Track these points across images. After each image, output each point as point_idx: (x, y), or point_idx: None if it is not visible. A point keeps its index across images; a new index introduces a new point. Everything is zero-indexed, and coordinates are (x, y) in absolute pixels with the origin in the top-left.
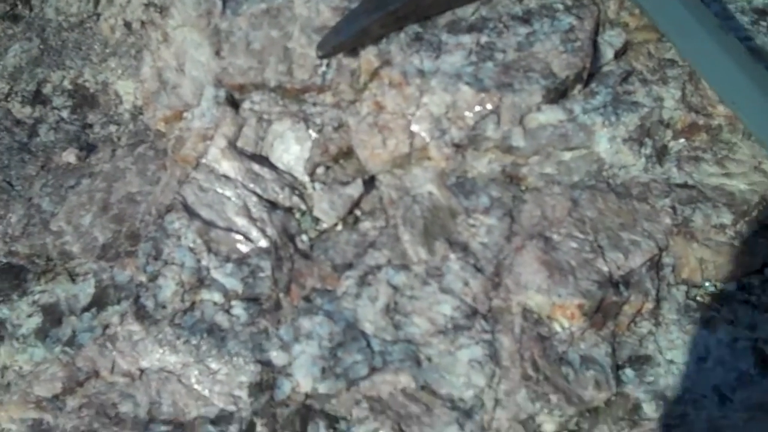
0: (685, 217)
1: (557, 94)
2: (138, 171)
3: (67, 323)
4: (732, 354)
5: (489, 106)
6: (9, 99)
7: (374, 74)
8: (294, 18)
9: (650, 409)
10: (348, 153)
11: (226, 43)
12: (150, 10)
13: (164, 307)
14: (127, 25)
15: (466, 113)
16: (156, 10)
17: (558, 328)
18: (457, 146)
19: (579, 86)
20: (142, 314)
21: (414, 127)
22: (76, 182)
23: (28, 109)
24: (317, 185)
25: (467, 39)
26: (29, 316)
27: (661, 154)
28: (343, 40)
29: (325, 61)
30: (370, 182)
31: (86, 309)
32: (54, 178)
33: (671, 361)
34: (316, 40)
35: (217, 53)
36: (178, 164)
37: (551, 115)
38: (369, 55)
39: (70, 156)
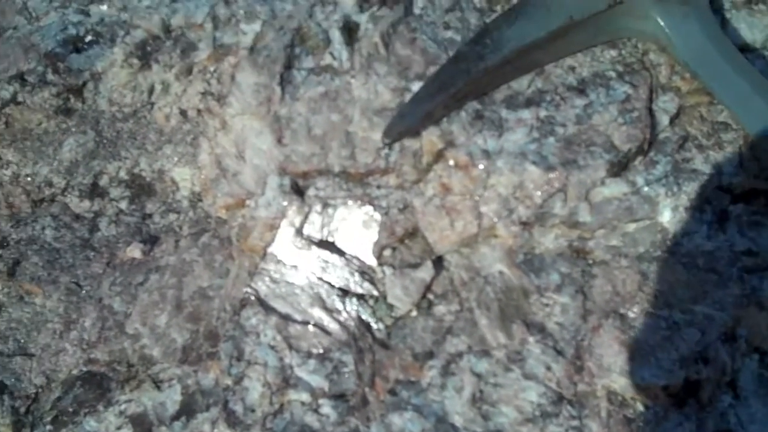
0: (753, 286)
1: (620, 167)
2: (205, 263)
3: None
4: None
5: (556, 185)
6: (66, 194)
7: (438, 155)
8: (353, 101)
9: None
10: (413, 234)
11: (287, 129)
12: (207, 99)
13: (253, 410)
14: (183, 113)
15: (534, 192)
16: (213, 98)
17: (642, 409)
18: (524, 224)
19: (640, 157)
20: (232, 420)
21: (482, 208)
22: (144, 278)
23: (86, 203)
24: (386, 269)
25: (527, 114)
26: (118, 428)
27: (722, 220)
28: (409, 125)
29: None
30: (438, 263)
31: (175, 417)
32: (121, 275)
33: None
34: (377, 122)
35: (279, 140)
36: (246, 254)
37: (615, 188)
38: (431, 137)
39: (134, 251)
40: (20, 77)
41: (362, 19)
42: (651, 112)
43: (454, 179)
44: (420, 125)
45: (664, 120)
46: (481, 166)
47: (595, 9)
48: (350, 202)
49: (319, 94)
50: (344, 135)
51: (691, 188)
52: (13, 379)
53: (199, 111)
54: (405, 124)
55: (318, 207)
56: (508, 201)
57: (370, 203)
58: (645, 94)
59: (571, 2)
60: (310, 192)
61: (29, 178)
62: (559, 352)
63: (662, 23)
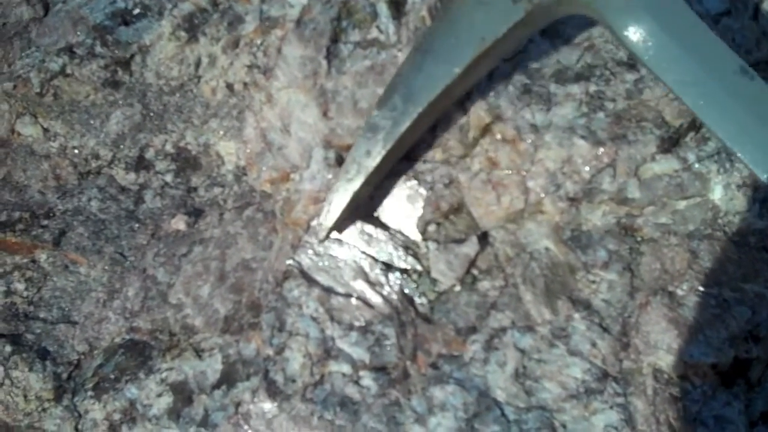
0: None
1: (671, 143)
2: (249, 236)
3: (199, 402)
4: None
5: (605, 160)
6: (112, 166)
7: (485, 130)
8: None
9: None
10: (458, 209)
11: (333, 103)
12: (253, 72)
13: (294, 381)
14: (229, 86)
15: (583, 167)
16: (259, 72)
17: (690, 388)
18: (572, 200)
19: (692, 133)
20: (273, 390)
21: (529, 183)
22: (188, 250)
23: (132, 176)
24: (431, 244)
25: (576, 89)
26: (159, 395)
27: None
28: (337, 221)
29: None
30: (483, 238)
31: (216, 386)
32: (165, 246)
33: None
34: None
35: (325, 114)
36: (290, 227)
37: (666, 165)
38: (479, 111)
39: (179, 223)
40: (69, 50)
41: None
42: None
43: (501, 153)
44: (350, 211)
45: None
46: (528, 141)
47: (510, 21)
48: (395, 177)
49: (365, 67)
50: None
51: (743, 165)
52: (56, 346)
53: (245, 84)
54: (331, 218)
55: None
56: (555, 176)
57: (415, 178)
58: None
59: (481, 20)
60: None
61: (76, 150)
62: (605, 329)
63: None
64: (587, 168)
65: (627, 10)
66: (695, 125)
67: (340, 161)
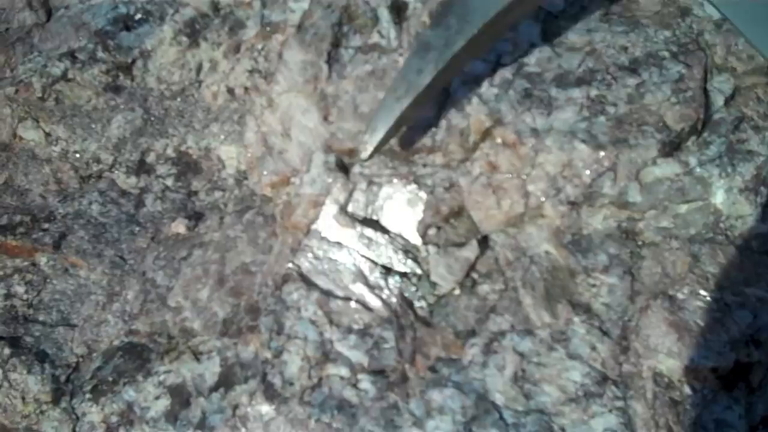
0: None
1: (672, 147)
2: (249, 239)
3: (196, 404)
4: None
5: (606, 164)
6: (113, 170)
7: (486, 134)
8: None
9: None
10: (459, 213)
11: (334, 107)
12: (254, 77)
13: (292, 384)
14: (230, 91)
15: (583, 171)
16: (260, 76)
17: (689, 392)
18: (572, 204)
19: (693, 138)
20: (270, 393)
21: (530, 187)
22: (188, 253)
23: (133, 180)
24: (431, 248)
25: (577, 93)
26: (156, 398)
27: None
28: (382, 139)
29: (434, 121)
30: (483, 242)
31: (214, 389)
32: (165, 249)
33: None
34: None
35: (325, 118)
36: (289, 231)
37: (667, 168)
38: (479, 115)
39: (179, 227)
40: (71, 54)
41: None
42: (705, 92)
43: (501, 157)
44: (394, 132)
45: (719, 100)
46: (529, 145)
47: None
48: (395, 180)
49: (366, 72)
50: None
51: (746, 169)
52: (54, 349)
53: (246, 89)
54: (378, 137)
55: (363, 185)
56: (555, 180)
57: (416, 181)
58: (699, 74)
59: None
60: (355, 170)
61: (78, 155)
62: (605, 333)
63: None
64: (588, 172)
65: None
66: (696, 129)
67: (340, 165)
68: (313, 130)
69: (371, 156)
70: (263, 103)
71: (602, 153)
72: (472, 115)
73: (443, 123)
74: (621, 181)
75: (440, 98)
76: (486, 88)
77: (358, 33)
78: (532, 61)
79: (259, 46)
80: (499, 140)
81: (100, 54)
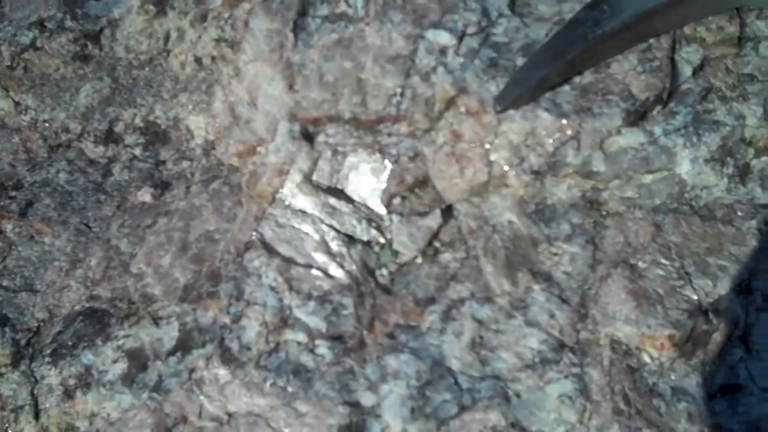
0: None
1: (637, 117)
2: (214, 208)
3: (153, 368)
4: None
5: (569, 132)
6: (82, 139)
7: (450, 102)
8: (366, 48)
9: None
10: (424, 182)
11: (299, 76)
12: (221, 46)
13: (249, 348)
14: (198, 60)
15: (546, 140)
16: (227, 45)
17: (647, 359)
18: (536, 173)
19: (659, 107)
20: (227, 357)
21: (493, 156)
22: (153, 221)
23: (101, 149)
24: (394, 217)
25: None
26: (114, 361)
27: (743, 173)
28: (522, 91)
29: (399, 90)
30: (447, 212)
31: (171, 353)
32: (131, 218)
33: (765, 390)
34: (390, 69)
35: (291, 87)
36: (254, 200)
37: (632, 138)
38: (444, 84)
39: (145, 195)
40: (40, 23)
41: None
42: (673, 62)
43: (464, 126)
44: (534, 92)
45: (686, 70)
46: (492, 113)
47: None
48: (360, 150)
49: (332, 41)
50: (356, 82)
51: (711, 140)
52: (16, 314)
53: (213, 58)
54: (519, 90)
55: (328, 154)
56: (519, 149)
57: (380, 151)
58: (667, 43)
59: None
60: (320, 138)
61: (47, 124)
62: (564, 301)
63: None
64: (551, 140)
65: None
66: (662, 99)
67: (305, 134)
68: (279, 99)
69: (505, 110)
70: (230, 72)
71: (565, 121)
72: (437, 84)
73: (408, 92)
74: (585, 151)
75: (406, 67)
76: (452, 58)
77: (326, 2)
78: (500, 31)
79: (226, 15)
80: (462, 109)
81: (68, 23)
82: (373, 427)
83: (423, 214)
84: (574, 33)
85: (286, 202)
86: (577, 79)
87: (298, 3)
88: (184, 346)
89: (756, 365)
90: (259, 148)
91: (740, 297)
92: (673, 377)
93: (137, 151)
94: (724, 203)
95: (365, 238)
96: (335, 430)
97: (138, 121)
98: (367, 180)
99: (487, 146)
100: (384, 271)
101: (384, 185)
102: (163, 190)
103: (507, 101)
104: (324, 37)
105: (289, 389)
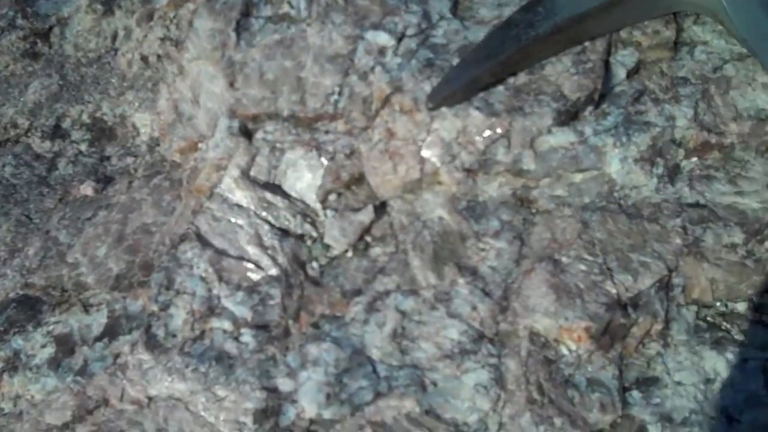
0: (696, 237)
1: (568, 117)
2: (153, 202)
3: (80, 353)
4: (742, 375)
5: (499, 130)
6: (29, 134)
7: (386, 101)
8: (307, 48)
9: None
10: (360, 179)
11: (240, 74)
12: (166, 44)
13: (174, 336)
14: (144, 59)
15: (477, 138)
16: (172, 44)
17: (565, 351)
18: (468, 171)
19: (590, 108)
20: (152, 343)
21: (425, 153)
22: (92, 214)
23: (47, 144)
24: (329, 212)
25: None
26: (43, 346)
27: (673, 173)
28: (453, 89)
29: (337, 89)
30: (381, 208)
31: (98, 339)
32: (71, 210)
33: (679, 383)
34: (329, 68)
35: (231, 84)
36: (193, 194)
37: (562, 137)
38: (381, 83)
39: (87, 189)
40: None
41: None
42: (607, 65)
43: (398, 124)
44: (466, 90)
45: (620, 73)
46: (424, 111)
47: None
48: (298, 147)
49: (274, 41)
50: (295, 80)
51: (641, 140)
52: None
53: (159, 57)
54: (450, 88)
55: (266, 150)
56: (450, 146)
57: (317, 148)
58: (602, 47)
59: None
60: (259, 135)
61: None
62: (487, 294)
63: None
64: (481, 138)
65: None
66: (593, 99)
67: (243, 130)
68: (220, 96)
69: (437, 107)
70: (174, 70)
71: (495, 120)
72: (375, 83)
73: (346, 91)
74: (515, 149)
75: (345, 66)
76: (390, 58)
77: (269, 3)
78: (440, 33)
79: (171, 14)
80: (397, 107)
81: (19, 21)
82: (288, 411)
83: (356, 210)
84: (508, 34)
85: (224, 197)
86: (511, 80)
87: (241, 3)
88: (111, 332)
89: (672, 359)
90: (200, 144)
91: (660, 292)
92: (589, 369)
93: (83, 147)
94: (651, 202)
95: (298, 232)
96: (251, 414)
97: (85, 118)
98: (304, 176)
99: (420, 143)
100: (314, 264)
101: (320, 182)
102: (106, 184)
103: (438, 98)
104: (266, 37)
105: (210, 375)
